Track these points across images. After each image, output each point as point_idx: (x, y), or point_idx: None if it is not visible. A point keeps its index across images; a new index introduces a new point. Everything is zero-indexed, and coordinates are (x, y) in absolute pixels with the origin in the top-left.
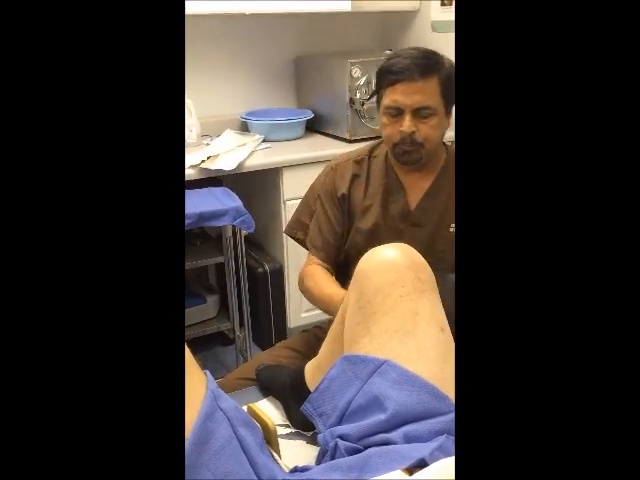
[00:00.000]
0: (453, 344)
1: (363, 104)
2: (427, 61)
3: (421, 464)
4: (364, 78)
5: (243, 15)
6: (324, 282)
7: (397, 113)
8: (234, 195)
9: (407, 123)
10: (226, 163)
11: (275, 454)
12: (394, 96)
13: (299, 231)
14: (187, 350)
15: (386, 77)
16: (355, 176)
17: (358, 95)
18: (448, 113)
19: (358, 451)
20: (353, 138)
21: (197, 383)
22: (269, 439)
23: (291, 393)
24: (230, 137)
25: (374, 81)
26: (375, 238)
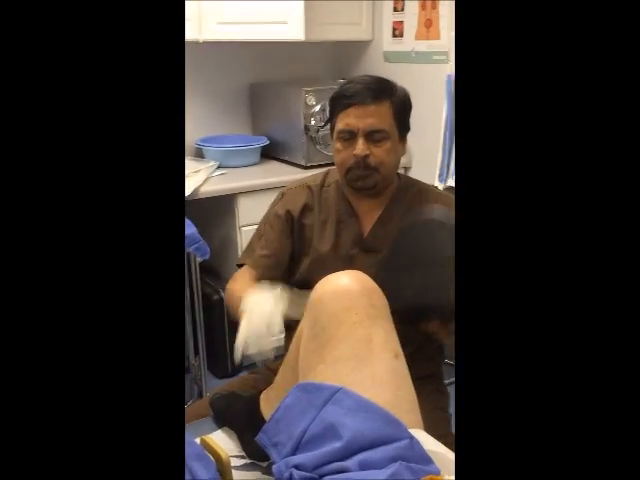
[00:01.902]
0: (407, 370)
1: (318, 131)
2: (379, 86)
3: None
4: (319, 106)
5: (197, 42)
6: (245, 284)
7: (350, 137)
8: (189, 221)
9: (360, 146)
10: None
11: None
12: (347, 120)
13: (248, 258)
14: None
15: (339, 102)
16: (307, 205)
17: (313, 122)
18: (402, 139)
19: None
20: (309, 164)
21: None
22: (223, 471)
23: (246, 422)
24: (185, 163)
25: (328, 109)
26: (327, 265)
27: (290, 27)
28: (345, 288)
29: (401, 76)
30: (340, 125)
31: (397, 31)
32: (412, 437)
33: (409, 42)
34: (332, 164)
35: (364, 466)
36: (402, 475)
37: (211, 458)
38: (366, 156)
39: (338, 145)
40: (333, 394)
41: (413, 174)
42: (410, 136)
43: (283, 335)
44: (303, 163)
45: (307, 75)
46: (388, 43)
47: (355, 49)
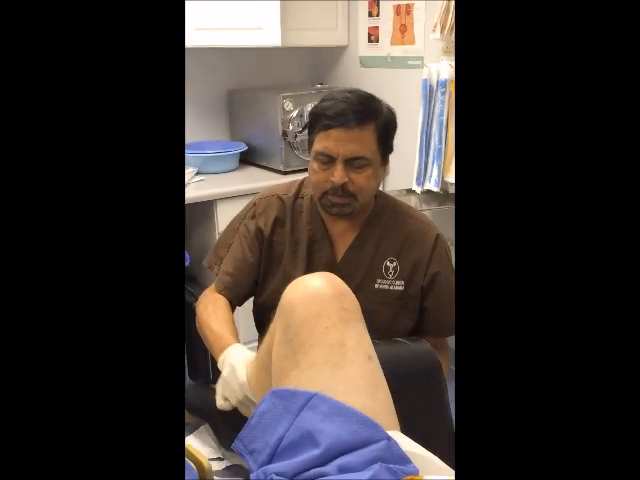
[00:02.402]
0: (381, 371)
1: (296, 136)
2: (364, 108)
3: None
4: (296, 111)
5: None
6: (219, 316)
7: (328, 160)
8: None
9: (339, 173)
10: None
11: None
12: (326, 142)
13: (216, 265)
14: None
15: (320, 120)
16: (277, 219)
17: (291, 127)
18: (384, 162)
19: None
20: (287, 169)
21: None
22: (204, 478)
23: (220, 415)
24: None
25: (306, 113)
26: None
27: (266, 33)
28: (316, 292)
29: (377, 81)
30: (318, 146)
31: (372, 36)
32: (389, 438)
33: (385, 47)
34: None
35: (343, 470)
36: (382, 476)
37: (192, 465)
38: (345, 183)
39: (315, 166)
40: (308, 400)
41: (391, 178)
42: None
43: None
44: (281, 169)
45: (284, 81)
46: (364, 48)
47: (331, 54)
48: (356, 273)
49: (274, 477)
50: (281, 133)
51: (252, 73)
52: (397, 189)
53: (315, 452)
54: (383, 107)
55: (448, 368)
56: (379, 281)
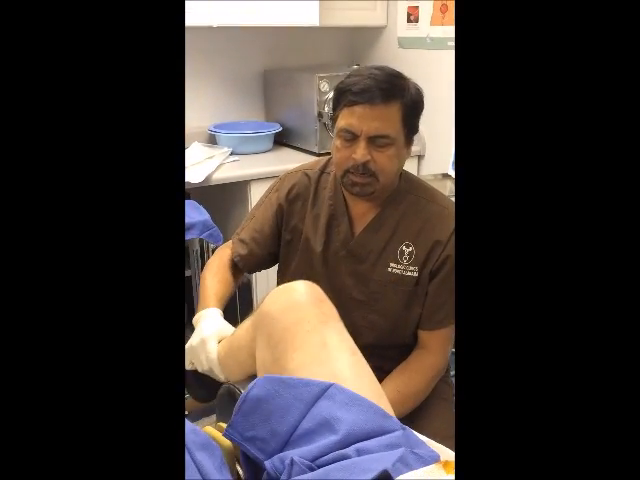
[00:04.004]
0: (367, 364)
1: (331, 117)
2: (390, 85)
3: (382, 476)
4: (332, 92)
5: (211, 28)
6: (217, 275)
7: (351, 137)
8: (202, 208)
9: (361, 151)
10: (194, 176)
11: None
12: (350, 119)
13: (236, 234)
14: None
15: (345, 96)
16: (299, 195)
17: (326, 109)
18: (408, 143)
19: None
20: (322, 151)
21: None
22: (229, 461)
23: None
24: (198, 150)
25: (332, 97)
26: (315, 266)
27: (305, 12)
28: (294, 301)
29: (415, 62)
30: (342, 123)
31: (412, 17)
32: (405, 427)
33: (424, 28)
34: None
35: (362, 453)
36: (408, 459)
37: (218, 446)
38: (367, 162)
39: (337, 143)
40: (325, 390)
41: (426, 163)
42: (423, 124)
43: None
44: (316, 150)
45: (321, 61)
46: (402, 29)
47: (369, 35)
48: (369, 255)
49: (295, 458)
50: (316, 114)
51: (288, 53)
52: (432, 173)
53: (333, 438)
54: (411, 86)
55: (439, 369)
56: (392, 265)
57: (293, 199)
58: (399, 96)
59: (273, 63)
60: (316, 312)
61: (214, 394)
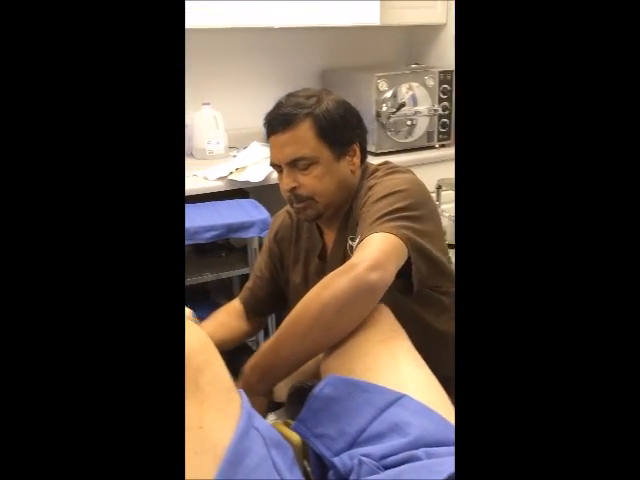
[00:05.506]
0: (435, 379)
1: (389, 117)
2: (291, 108)
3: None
4: (390, 91)
5: (271, 29)
6: (217, 318)
7: (279, 170)
8: (261, 207)
9: (284, 180)
10: (253, 175)
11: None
12: (271, 152)
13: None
14: (225, 368)
15: (265, 131)
16: (284, 237)
17: (384, 108)
18: (341, 155)
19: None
20: (379, 151)
21: (233, 403)
22: (298, 456)
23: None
24: (257, 149)
25: (400, 94)
26: (299, 298)
27: (365, 11)
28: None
29: None
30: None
31: None
32: None
33: None
34: (402, 151)
35: (431, 457)
36: None
37: (289, 445)
38: (292, 188)
39: (278, 176)
40: (398, 399)
41: None
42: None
43: None
44: (374, 150)
45: (379, 60)
46: None
47: (428, 33)
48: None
49: (363, 459)
50: (374, 114)
51: (347, 52)
52: None
53: (403, 440)
54: (322, 99)
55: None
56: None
57: (280, 240)
58: (305, 114)
59: (332, 63)
60: (387, 328)
61: None
